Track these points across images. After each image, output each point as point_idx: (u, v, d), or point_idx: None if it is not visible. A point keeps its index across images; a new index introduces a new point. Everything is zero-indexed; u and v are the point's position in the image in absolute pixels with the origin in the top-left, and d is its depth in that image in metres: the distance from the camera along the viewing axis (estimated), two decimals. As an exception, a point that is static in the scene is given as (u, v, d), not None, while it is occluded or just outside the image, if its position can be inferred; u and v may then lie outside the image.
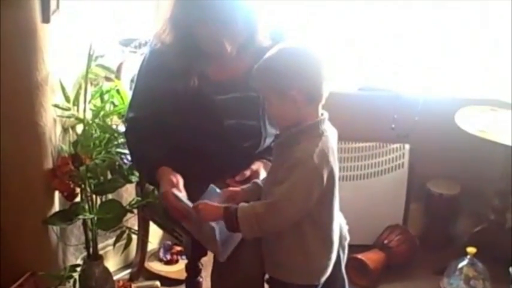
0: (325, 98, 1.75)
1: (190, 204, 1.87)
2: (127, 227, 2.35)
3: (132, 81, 2.54)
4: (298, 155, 1.71)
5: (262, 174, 2.07)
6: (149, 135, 2.08)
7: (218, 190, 1.91)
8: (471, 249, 2.62)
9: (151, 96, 2.07)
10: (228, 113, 2.06)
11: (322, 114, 1.78)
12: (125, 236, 2.34)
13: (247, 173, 2.06)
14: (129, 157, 2.35)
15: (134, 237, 2.48)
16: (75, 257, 2.56)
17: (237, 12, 1.93)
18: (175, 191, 1.92)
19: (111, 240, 2.50)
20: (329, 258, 1.84)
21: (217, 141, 2.06)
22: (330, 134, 1.77)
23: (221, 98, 2.06)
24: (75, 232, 2.55)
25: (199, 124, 2.05)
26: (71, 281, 2.31)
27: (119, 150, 2.32)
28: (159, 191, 1.98)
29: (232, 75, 2.09)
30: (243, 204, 1.76)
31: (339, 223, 1.88)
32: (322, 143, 1.72)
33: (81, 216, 2.27)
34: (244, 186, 1.92)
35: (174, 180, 1.96)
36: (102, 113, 2.29)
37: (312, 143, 1.71)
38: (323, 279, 1.85)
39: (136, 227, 2.58)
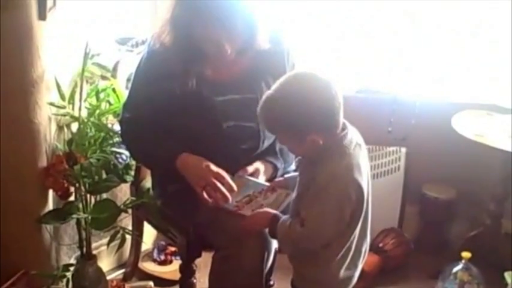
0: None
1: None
2: (121, 227, 2.33)
3: (128, 80, 2.53)
4: (323, 178, 1.67)
5: (262, 174, 2.08)
6: (148, 135, 2.07)
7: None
8: (466, 254, 2.61)
9: (149, 97, 2.06)
10: (227, 115, 2.05)
11: (344, 129, 1.72)
12: (118, 236, 2.32)
13: (250, 169, 2.05)
14: (124, 156, 2.34)
15: (128, 237, 2.47)
16: (69, 257, 2.54)
17: (237, 14, 1.92)
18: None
19: (105, 240, 2.49)
20: (355, 272, 1.84)
21: (216, 143, 2.05)
22: (356, 147, 1.72)
23: (220, 99, 2.05)
24: (69, 231, 2.53)
25: (198, 125, 2.04)
26: (64, 280, 2.29)
27: (114, 149, 2.30)
28: (198, 170, 1.95)
29: (231, 77, 2.09)
30: (284, 220, 1.77)
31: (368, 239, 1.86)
32: (347, 161, 1.68)
33: (75, 216, 2.25)
34: (287, 176, 1.99)
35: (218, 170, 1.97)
36: (97, 111, 2.27)
37: (336, 162, 1.68)
38: None
39: (130, 227, 2.57)
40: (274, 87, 1.72)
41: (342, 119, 1.69)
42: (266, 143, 2.14)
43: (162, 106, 2.04)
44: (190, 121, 2.04)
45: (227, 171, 1.98)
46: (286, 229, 1.75)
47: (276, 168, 2.14)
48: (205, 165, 1.95)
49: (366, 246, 1.85)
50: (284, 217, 1.80)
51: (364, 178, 1.72)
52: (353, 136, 1.74)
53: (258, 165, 2.09)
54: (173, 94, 2.02)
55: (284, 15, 2.93)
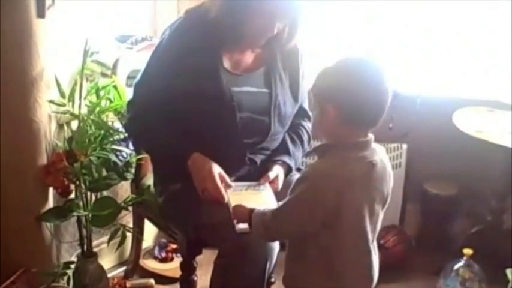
0: (375, 123, 1.64)
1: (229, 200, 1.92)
2: (121, 225, 2.33)
3: (128, 77, 2.52)
4: (307, 170, 1.67)
5: (281, 179, 2.10)
6: (159, 126, 2.07)
7: None
8: (467, 251, 2.61)
9: (165, 76, 2.04)
10: (241, 106, 2.06)
11: (365, 143, 1.66)
12: (119, 233, 2.32)
13: (272, 175, 2.08)
14: (124, 154, 2.34)
15: (129, 234, 2.47)
16: (69, 254, 2.55)
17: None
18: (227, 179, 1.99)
19: (105, 238, 2.48)
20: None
21: (229, 131, 2.05)
22: (364, 162, 1.65)
23: (236, 90, 2.06)
24: (70, 229, 2.53)
25: (213, 113, 2.03)
26: (65, 278, 2.29)
27: (114, 147, 2.30)
28: (202, 172, 1.99)
29: (249, 70, 2.12)
30: (258, 209, 1.76)
31: (367, 262, 1.75)
32: (341, 169, 1.61)
33: (75, 213, 2.25)
34: None
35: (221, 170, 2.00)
36: (97, 109, 2.26)
37: (329, 163, 1.64)
38: None
39: (131, 225, 2.57)
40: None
41: (372, 121, 1.64)
42: (273, 139, 2.15)
43: (177, 87, 2.03)
44: (206, 107, 2.03)
45: (228, 164, 2.02)
46: (259, 215, 1.74)
47: (290, 169, 2.16)
48: (208, 171, 1.98)
49: (366, 277, 1.76)
50: (257, 208, 1.78)
51: (354, 198, 1.63)
52: (371, 154, 1.67)
53: (278, 170, 2.11)
54: (192, 76, 2.02)
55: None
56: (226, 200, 1.93)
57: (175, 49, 2.05)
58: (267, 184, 2.05)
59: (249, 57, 2.12)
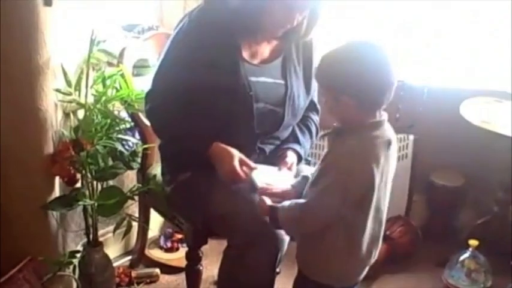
0: (387, 101, 1.66)
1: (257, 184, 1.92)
2: (127, 214, 2.33)
3: (135, 66, 2.52)
4: (337, 152, 1.67)
5: (295, 165, 2.12)
6: (179, 116, 2.06)
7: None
8: (473, 242, 2.61)
9: (183, 66, 2.04)
10: (257, 96, 2.06)
11: (381, 121, 1.68)
12: (125, 223, 2.32)
13: (289, 161, 2.09)
14: (130, 143, 2.34)
15: (135, 224, 2.47)
16: (75, 243, 2.55)
17: None
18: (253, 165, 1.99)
19: (111, 227, 2.49)
20: (353, 265, 1.79)
21: (245, 121, 2.05)
22: (384, 143, 1.66)
23: (253, 80, 2.07)
24: (76, 218, 2.54)
25: (231, 103, 2.03)
26: (71, 267, 2.30)
27: (120, 136, 2.30)
28: (224, 160, 1.98)
29: (266, 60, 2.13)
30: (283, 205, 1.75)
31: (378, 233, 1.79)
32: (368, 147, 1.64)
33: (81, 202, 2.25)
34: (294, 183, 1.90)
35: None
36: (103, 98, 2.26)
37: (356, 142, 1.64)
38: (345, 284, 1.81)
39: (137, 214, 2.57)
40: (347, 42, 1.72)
41: (385, 101, 1.66)
42: (284, 129, 2.16)
43: (196, 78, 2.02)
44: (224, 97, 2.02)
45: (243, 151, 2.02)
46: (289, 212, 1.73)
47: (300, 158, 2.18)
48: (229, 157, 1.98)
49: (375, 246, 1.81)
50: (282, 204, 1.77)
51: (378, 173, 1.65)
52: (387, 133, 1.70)
53: (293, 157, 2.13)
54: (211, 67, 2.01)
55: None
56: (249, 179, 1.95)
57: (193, 39, 2.04)
58: (285, 169, 2.06)
59: (265, 48, 2.13)
